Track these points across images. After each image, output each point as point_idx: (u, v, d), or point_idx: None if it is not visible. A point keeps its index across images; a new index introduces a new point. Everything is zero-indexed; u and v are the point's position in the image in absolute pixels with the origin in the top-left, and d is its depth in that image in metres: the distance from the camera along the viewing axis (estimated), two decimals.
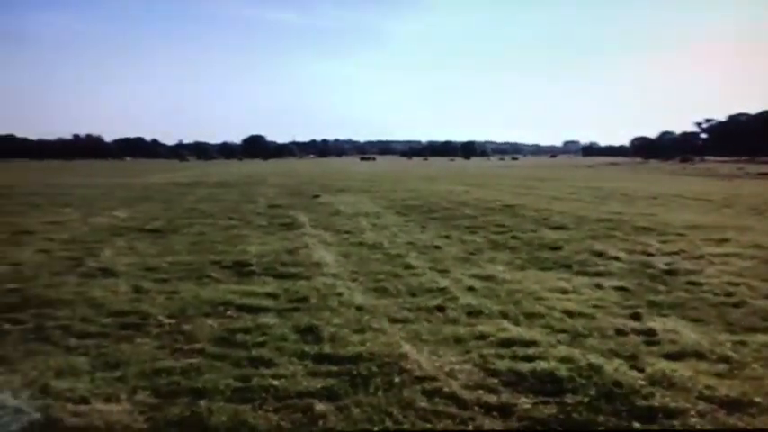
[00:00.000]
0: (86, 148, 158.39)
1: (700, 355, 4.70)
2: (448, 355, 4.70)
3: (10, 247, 9.72)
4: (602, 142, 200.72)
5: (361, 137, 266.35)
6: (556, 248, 9.80)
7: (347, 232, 11.83)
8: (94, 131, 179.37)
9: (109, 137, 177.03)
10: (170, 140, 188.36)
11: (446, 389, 4.01)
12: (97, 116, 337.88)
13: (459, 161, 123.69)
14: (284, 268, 7.92)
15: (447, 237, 11.30)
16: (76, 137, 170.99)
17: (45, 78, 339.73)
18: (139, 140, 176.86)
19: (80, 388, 3.92)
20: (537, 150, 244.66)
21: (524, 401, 3.88)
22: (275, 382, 4.05)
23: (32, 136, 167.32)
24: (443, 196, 21.08)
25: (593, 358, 4.54)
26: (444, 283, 7.17)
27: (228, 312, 5.78)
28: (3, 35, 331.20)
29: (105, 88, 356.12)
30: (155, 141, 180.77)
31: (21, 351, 4.66)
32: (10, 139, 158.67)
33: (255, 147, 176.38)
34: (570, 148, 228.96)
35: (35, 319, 5.47)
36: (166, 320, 5.47)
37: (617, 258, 8.81)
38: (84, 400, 3.75)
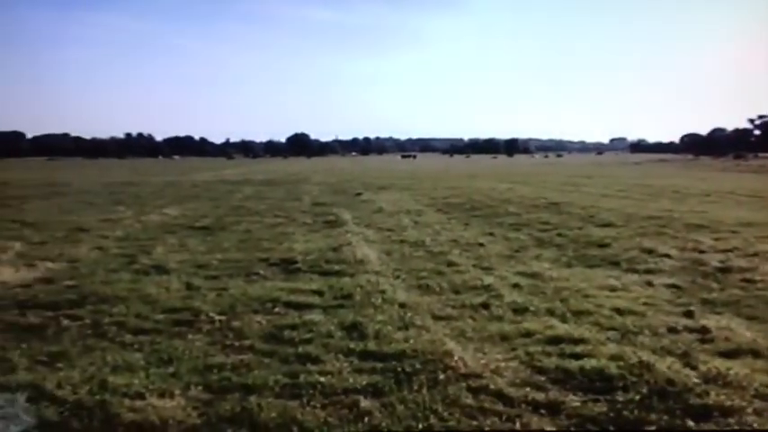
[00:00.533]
0: (138, 146, 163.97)
1: (756, 353, 4.56)
2: (493, 352, 4.68)
3: (67, 244, 10.07)
4: (651, 139, 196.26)
5: (403, 135, 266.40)
6: (604, 246, 9.62)
7: (389, 230, 11.87)
8: (145, 130, 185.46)
9: (159, 135, 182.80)
10: (218, 139, 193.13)
11: (492, 386, 4.00)
12: (148, 115, 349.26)
13: (502, 158, 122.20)
14: (329, 266, 8.00)
15: (491, 234, 11.22)
16: (128, 135, 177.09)
17: (98, 78, 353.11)
18: (188, 139, 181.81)
19: (136, 384, 4.01)
20: (583, 147, 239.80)
21: (573, 399, 3.83)
22: (322, 379, 4.10)
23: (86, 135, 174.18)
24: (486, 194, 20.90)
25: (645, 356, 4.46)
26: (489, 280, 7.12)
27: (276, 309, 5.87)
28: (57, 36, 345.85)
29: (156, 88, 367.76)
30: (203, 140, 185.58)
31: (79, 347, 4.80)
32: (65, 137, 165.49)
33: (300, 145, 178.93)
34: (617, 145, 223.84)
35: (92, 316, 5.63)
36: (217, 317, 5.57)
37: (668, 256, 8.60)
38: (140, 396, 3.84)
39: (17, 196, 20.86)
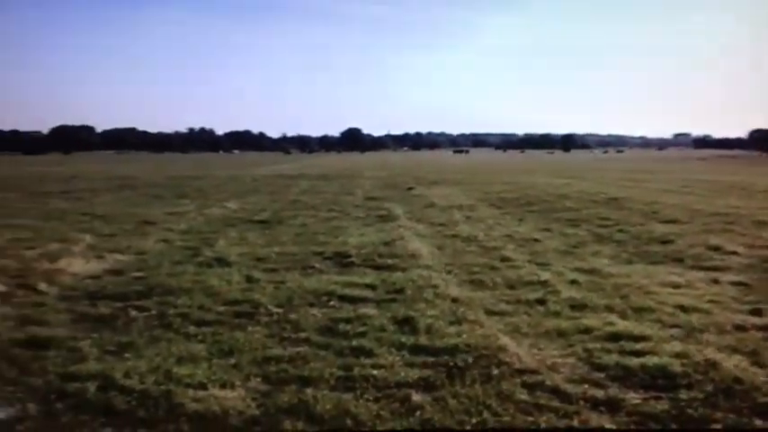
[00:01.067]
0: (200, 140, 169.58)
1: None
2: (549, 348, 4.61)
3: (135, 236, 10.41)
4: (717, 134, 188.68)
5: (455, 129, 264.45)
6: (667, 242, 9.33)
7: (441, 224, 11.83)
8: (207, 125, 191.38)
9: (220, 130, 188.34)
10: (275, 133, 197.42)
11: (548, 382, 3.94)
12: (210, 110, 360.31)
13: (559, 154, 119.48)
14: (381, 260, 8.01)
15: (547, 230, 11.02)
16: (191, 130, 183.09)
17: (164, 74, 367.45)
18: (247, 133, 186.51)
19: (199, 374, 4.09)
20: (644, 143, 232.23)
21: (633, 397, 3.75)
22: (375, 372, 4.12)
23: (152, 129, 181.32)
24: (542, 189, 20.51)
25: (710, 354, 4.31)
26: (545, 276, 7.00)
27: (331, 302, 5.93)
28: (127, 32, 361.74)
29: (217, 83, 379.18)
30: (261, 134, 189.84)
31: (146, 337, 4.93)
32: (132, 131, 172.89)
33: (353, 139, 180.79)
34: (681, 140, 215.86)
35: (158, 307, 5.78)
36: (275, 309, 5.67)
37: (735, 253, 8.27)
38: (203, 386, 3.91)
39: (88, 189, 21.68)
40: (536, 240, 9.77)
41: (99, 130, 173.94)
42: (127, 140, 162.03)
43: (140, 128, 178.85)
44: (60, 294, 6.42)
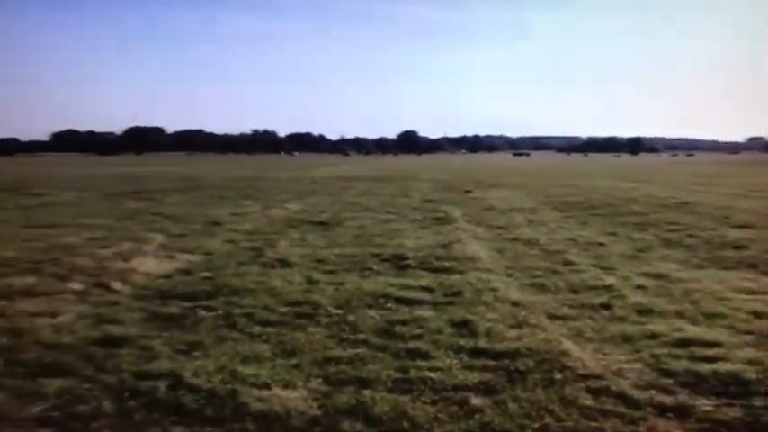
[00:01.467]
0: (263, 142, 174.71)
1: None
2: (615, 353, 4.50)
3: (203, 236, 10.65)
4: None
5: (514, 132, 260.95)
6: (740, 248, 8.92)
7: (501, 227, 11.68)
8: (270, 127, 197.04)
9: (282, 132, 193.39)
10: (333, 135, 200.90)
11: (614, 388, 3.84)
12: (273, 112, 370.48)
13: (625, 157, 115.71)
14: (439, 262, 7.97)
15: (612, 234, 10.72)
16: (255, 132, 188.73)
17: (229, 76, 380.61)
18: (307, 135, 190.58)
19: (263, 374, 4.15)
20: (715, 147, 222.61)
21: (704, 403, 3.62)
22: (432, 375, 4.10)
23: (218, 131, 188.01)
24: (607, 192, 19.94)
25: None
26: (610, 280, 6.82)
27: (388, 304, 5.94)
28: (195, 36, 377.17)
29: (278, 85, 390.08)
30: (321, 136, 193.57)
31: (213, 337, 5.03)
32: (200, 133, 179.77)
33: (409, 142, 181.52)
34: (754, 144, 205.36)
35: (225, 307, 5.90)
36: (334, 311, 5.72)
37: None
38: (266, 386, 3.97)
39: (158, 189, 22.42)
40: (601, 244, 9.52)
41: (169, 131, 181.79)
42: (195, 142, 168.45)
43: (207, 129, 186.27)
44: (133, 293, 6.62)
